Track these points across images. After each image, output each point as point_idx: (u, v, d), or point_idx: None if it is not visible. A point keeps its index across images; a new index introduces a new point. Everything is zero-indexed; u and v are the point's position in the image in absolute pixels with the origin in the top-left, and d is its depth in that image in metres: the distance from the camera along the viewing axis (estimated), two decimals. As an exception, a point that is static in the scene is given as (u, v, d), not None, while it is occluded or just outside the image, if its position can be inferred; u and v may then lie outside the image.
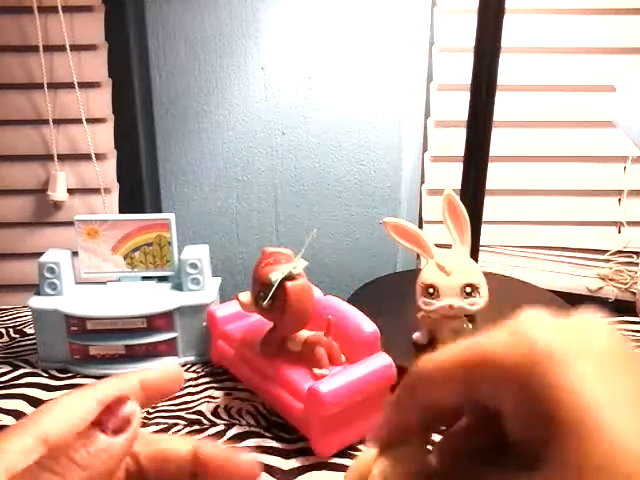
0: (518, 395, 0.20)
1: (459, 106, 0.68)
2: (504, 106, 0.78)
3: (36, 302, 0.65)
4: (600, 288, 0.81)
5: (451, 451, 0.25)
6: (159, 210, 0.80)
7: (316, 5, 0.72)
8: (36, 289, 0.67)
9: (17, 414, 0.58)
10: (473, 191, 0.64)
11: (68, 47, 0.72)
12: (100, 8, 0.73)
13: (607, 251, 0.83)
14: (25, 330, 0.74)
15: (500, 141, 0.77)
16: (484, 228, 0.66)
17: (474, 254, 0.64)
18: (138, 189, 0.82)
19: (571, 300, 0.71)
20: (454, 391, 0.23)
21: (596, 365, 0.20)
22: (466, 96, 0.61)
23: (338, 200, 0.79)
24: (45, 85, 0.73)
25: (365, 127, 0.76)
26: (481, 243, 0.66)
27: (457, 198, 0.58)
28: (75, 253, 0.68)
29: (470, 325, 0.61)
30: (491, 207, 0.71)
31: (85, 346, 0.65)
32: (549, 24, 0.78)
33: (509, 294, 0.71)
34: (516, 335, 0.21)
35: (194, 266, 0.66)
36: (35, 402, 0.60)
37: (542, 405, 0.19)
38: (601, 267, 0.83)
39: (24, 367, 0.66)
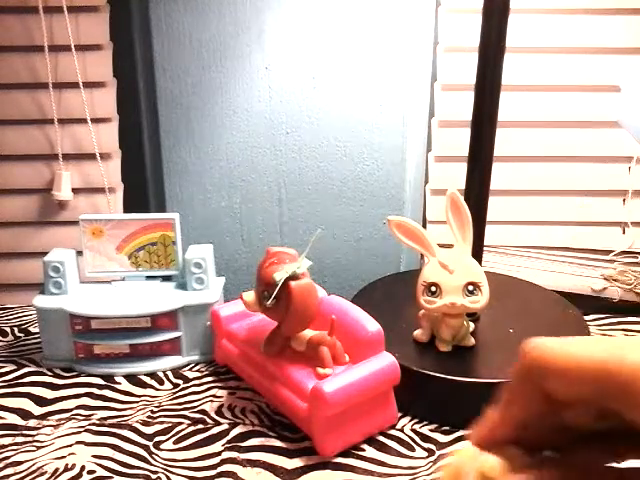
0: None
1: (463, 106, 0.68)
2: (508, 106, 0.78)
3: (41, 301, 0.65)
4: (604, 289, 0.81)
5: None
6: (163, 210, 0.80)
7: (320, 5, 0.72)
8: (41, 288, 0.67)
9: (22, 412, 0.59)
10: (477, 191, 0.64)
11: (73, 47, 0.72)
12: (105, 8, 0.74)
13: (611, 251, 0.83)
14: (30, 329, 0.74)
15: (504, 141, 0.77)
16: (488, 228, 0.66)
17: (478, 254, 0.64)
18: (142, 189, 0.83)
19: (575, 300, 0.71)
20: (586, 390, 0.21)
21: None
22: (470, 96, 0.61)
23: (342, 200, 0.79)
24: (50, 85, 0.73)
25: (369, 127, 0.76)
26: (485, 243, 0.66)
27: (460, 197, 0.58)
28: (80, 252, 0.68)
29: (471, 323, 0.61)
30: (495, 207, 0.71)
31: (89, 345, 0.65)
32: (554, 24, 0.78)
33: (513, 294, 0.71)
34: None
35: (198, 265, 0.66)
36: (40, 401, 0.60)
37: None
38: (605, 268, 0.82)
39: (29, 366, 0.66)
